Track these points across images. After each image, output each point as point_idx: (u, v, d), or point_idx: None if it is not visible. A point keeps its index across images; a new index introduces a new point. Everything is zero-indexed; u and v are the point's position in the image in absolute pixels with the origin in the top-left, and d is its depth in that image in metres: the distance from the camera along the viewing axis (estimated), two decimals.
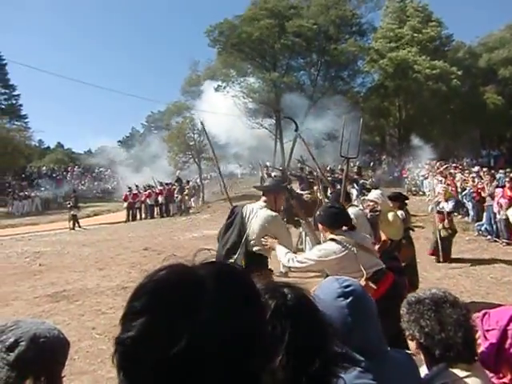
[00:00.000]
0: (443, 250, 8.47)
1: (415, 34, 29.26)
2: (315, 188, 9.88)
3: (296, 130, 5.90)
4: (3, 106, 35.32)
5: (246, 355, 0.60)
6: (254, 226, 3.87)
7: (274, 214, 3.95)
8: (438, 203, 9.29)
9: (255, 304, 0.66)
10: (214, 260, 0.70)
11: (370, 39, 30.19)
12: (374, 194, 5.79)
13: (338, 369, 1.01)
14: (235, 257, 3.79)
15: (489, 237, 10.80)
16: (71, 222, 18.03)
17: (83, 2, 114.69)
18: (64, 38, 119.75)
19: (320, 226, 3.57)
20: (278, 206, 4.19)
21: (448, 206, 9.00)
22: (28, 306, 6.62)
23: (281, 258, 3.58)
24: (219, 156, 25.64)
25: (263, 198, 4.11)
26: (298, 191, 11.38)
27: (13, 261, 10.60)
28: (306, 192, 10.04)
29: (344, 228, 3.43)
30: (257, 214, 3.95)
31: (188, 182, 24.35)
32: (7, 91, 36.01)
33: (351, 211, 5.28)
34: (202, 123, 5.97)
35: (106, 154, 34.15)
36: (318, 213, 3.66)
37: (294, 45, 27.38)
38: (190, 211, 21.81)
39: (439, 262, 8.43)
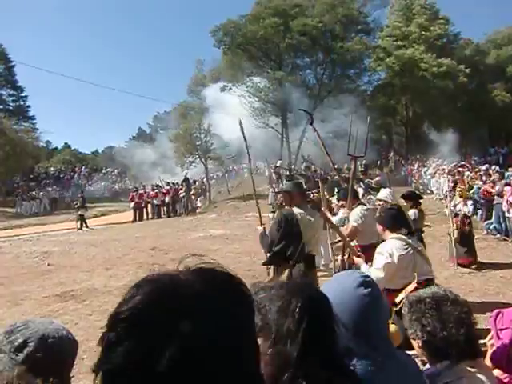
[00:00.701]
0: (469, 254, 8.08)
1: (422, 32, 29.07)
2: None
3: (311, 124, 5.87)
4: (11, 108, 35.61)
5: (231, 368, 0.58)
6: (307, 230, 4.26)
7: (317, 215, 4.43)
8: (455, 205, 8.73)
9: (244, 318, 0.64)
10: (203, 267, 0.67)
11: (376, 37, 30.04)
12: (383, 193, 5.73)
13: (350, 364, 1.04)
14: (295, 259, 4.16)
15: (498, 235, 10.70)
16: (79, 222, 18.14)
17: (91, 3, 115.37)
18: (71, 38, 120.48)
19: (380, 227, 3.68)
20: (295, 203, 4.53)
21: (468, 209, 8.53)
22: (37, 305, 6.66)
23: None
24: (224, 156, 25.81)
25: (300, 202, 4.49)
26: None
27: (22, 261, 10.68)
28: (315, 191, 10.01)
29: (404, 231, 3.52)
30: (306, 218, 4.32)
31: (195, 181, 24.41)
32: (15, 93, 36.32)
33: (359, 210, 5.27)
34: (240, 123, 5.97)
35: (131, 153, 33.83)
36: (377, 214, 3.86)
37: (299, 43, 27.32)
38: (197, 211, 21.86)
39: (461, 266, 7.96)
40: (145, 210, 22.17)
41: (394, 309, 3.05)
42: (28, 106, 36.68)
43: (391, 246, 3.40)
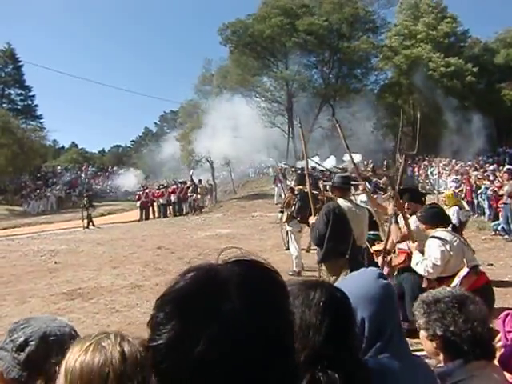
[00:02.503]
0: None
1: (430, 31, 28.90)
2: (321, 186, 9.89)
3: (333, 115, 5.88)
4: (19, 107, 35.87)
5: (270, 356, 0.62)
6: (358, 223, 4.39)
7: (365, 208, 4.65)
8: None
9: (281, 305, 0.67)
10: (240, 258, 0.70)
11: (383, 36, 29.92)
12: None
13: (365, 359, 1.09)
14: (349, 253, 4.24)
15: (506, 236, 10.59)
16: (85, 221, 18.24)
17: (98, 2, 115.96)
18: (78, 38, 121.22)
19: (423, 225, 3.86)
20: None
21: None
22: (44, 303, 6.71)
23: (414, 264, 3.81)
24: (230, 157, 25.81)
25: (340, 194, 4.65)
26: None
27: (29, 259, 10.76)
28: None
29: (446, 226, 3.78)
30: (356, 211, 4.43)
31: (200, 181, 24.46)
32: (23, 92, 36.58)
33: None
34: (299, 123, 5.98)
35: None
36: (418, 214, 3.96)
37: (305, 43, 27.28)
38: (203, 210, 21.90)
39: None
40: (151, 209, 22.25)
41: None
42: (35, 106, 36.98)
43: (442, 237, 3.64)
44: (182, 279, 0.67)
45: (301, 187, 8.73)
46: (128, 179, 30.02)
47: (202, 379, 0.60)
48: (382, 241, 5.62)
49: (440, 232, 3.67)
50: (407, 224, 3.99)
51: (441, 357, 1.58)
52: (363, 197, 6.23)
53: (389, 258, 4.61)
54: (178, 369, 0.61)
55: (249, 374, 0.60)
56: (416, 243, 3.86)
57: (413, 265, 3.82)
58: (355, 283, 1.32)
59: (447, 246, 3.57)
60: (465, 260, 3.60)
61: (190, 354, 0.59)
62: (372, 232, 5.81)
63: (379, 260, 4.76)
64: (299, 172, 13.46)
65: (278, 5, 27.41)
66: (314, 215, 4.88)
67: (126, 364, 0.91)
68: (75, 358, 0.91)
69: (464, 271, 3.49)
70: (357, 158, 5.97)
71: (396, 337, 1.28)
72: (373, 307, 1.24)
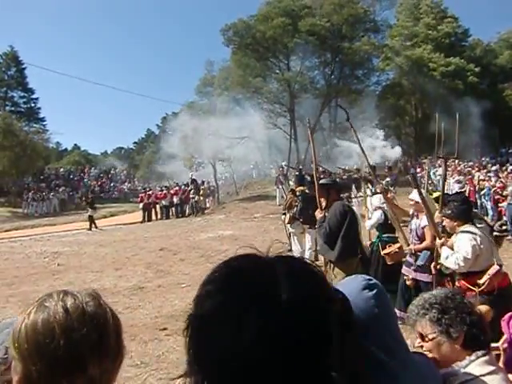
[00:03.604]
0: None
1: (430, 31, 28.87)
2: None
3: (347, 120, 5.89)
4: (22, 109, 35.98)
5: (317, 355, 0.60)
6: (361, 223, 4.51)
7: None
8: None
9: (329, 304, 0.66)
10: (288, 254, 0.71)
11: (385, 37, 29.90)
12: (415, 195, 5.54)
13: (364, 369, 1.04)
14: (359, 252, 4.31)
15: (509, 237, 10.55)
16: (88, 223, 18.28)
17: (99, 5, 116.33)
18: (80, 40, 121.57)
19: (451, 222, 3.83)
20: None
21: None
22: None
23: (444, 259, 3.81)
24: (233, 158, 25.82)
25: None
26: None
27: (32, 261, 10.79)
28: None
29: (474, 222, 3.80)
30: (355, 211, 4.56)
31: (203, 182, 24.47)
32: (26, 94, 36.68)
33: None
34: (308, 122, 6.07)
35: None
36: (447, 210, 3.90)
37: (307, 44, 27.29)
38: (205, 212, 21.91)
39: None
40: (153, 210, 22.28)
41: (478, 290, 3.39)
42: (38, 108, 37.06)
43: (472, 231, 3.64)
44: (233, 260, 0.67)
45: (302, 188, 8.73)
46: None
47: (242, 361, 0.57)
48: (394, 243, 5.65)
49: (470, 227, 3.70)
50: (433, 222, 3.98)
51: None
52: (375, 199, 6.17)
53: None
54: (217, 344, 0.59)
55: (292, 364, 0.58)
56: (442, 239, 3.87)
57: (442, 259, 3.84)
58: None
59: (478, 241, 3.59)
60: (494, 258, 3.64)
61: (223, 332, 0.58)
62: (386, 235, 5.82)
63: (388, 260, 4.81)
64: (298, 173, 13.48)
65: (279, 6, 27.45)
66: (321, 210, 4.81)
67: (70, 317, 0.89)
68: (20, 323, 0.89)
69: (494, 268, 3.50)
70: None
71: (390, 344, 1.24)
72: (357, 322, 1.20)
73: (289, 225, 8.58)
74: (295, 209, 8.30)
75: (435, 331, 1.53)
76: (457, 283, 3.94)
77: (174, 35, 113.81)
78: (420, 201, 4.84)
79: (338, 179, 14.26)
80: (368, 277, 1.36)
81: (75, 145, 53.73)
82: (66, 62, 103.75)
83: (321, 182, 5.05)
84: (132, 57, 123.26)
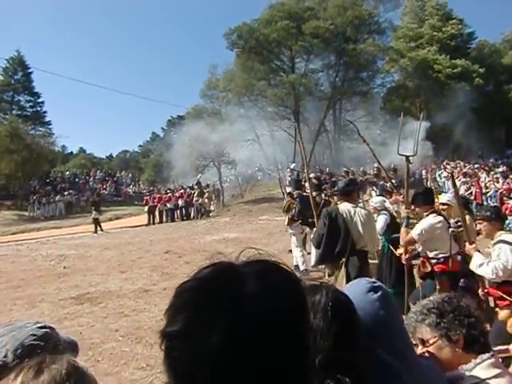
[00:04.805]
0: None
1: (435, 33, 28.80)
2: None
3: (359, 134, 5.93)
4: (28, 113, 36.22)
5: (285, 353, 0.62)
6: (359, 226, 4.36)
7: (369, 211, 4.72)
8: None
9: (299, 303, 0.67)
10: (260, 259, 0.72)
11: (389, 39, 29.88)
12: (446, 197, 5.47)
13: (368, 369, 1.03)
14: (346, 255, 4.25)
15: None
16: (94, 226, 18.37)
17: (105, 9, 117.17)
18: (86, 44, 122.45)
19: (492, 226, 3.74)
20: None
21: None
22: (53, 308, 6.76)
23: (476, 266, 3.71)
24: (237, 160, 25.86)
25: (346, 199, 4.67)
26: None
27: (38, 263, 10.85)
28: (314, 194, 10.18)
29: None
30: (356, 214, 4.43)
31: (208, 185, 24.51)
32: (32, 99, 36.94)
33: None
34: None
35: None
36: (486, 213, 3.82)
37: (311, 46, 27.31)
38: (210, 214, 21.93)
39: None
40: (158, 213, 22.33)
41: None
42: (44, 112, 37.26)
43: (509, 239, 3.56)
44: (202, 271, 0.68)
45: (299, 191, 8.94)
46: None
47: (214, 368, 0.59)
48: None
49: (506, 236, 3.63)
50: (466, 226, 3.89)
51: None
52: (376, 201, 6.18)
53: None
54: (190, 357, 0.61)
55: (263, 367, 0.60)
56: (474, 245, 3.77)
57: (472, 266, 3.73)
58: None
59: None
60: None
61: (203, 342, 0.60)
62: (395, 235, 5.80)
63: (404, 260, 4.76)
64: (294, 178, 13.58)
65: (283, 9, 27.49)
66: (317, 219, 4.96)
67: None
68: None
69: None
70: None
71: (396, 346, 1.19)
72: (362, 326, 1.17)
73: (288, 226, 8.70)
74: (293, 210, 8.44)
75: (435, 336, 1.52)
76: (481, 290, 3.90)
77: (178, 39, 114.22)
78: (453, 203, 4.85)
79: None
80: (372, 279, 1.36)
81: (81, 148, 54.01)
82: (71, 66, 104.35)
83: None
84: (137, 60, 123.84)
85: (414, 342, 1.55)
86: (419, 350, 1.55)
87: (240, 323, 0.60)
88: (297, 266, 7.90)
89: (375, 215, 5.91)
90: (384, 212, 5.95)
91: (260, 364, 0.60)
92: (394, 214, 5.98)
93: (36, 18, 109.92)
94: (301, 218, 8.20)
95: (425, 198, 4.67)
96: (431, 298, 1.63)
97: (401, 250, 4.98)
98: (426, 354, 1.52)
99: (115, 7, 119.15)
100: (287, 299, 0.65)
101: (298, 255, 8.20)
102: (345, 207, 4.52)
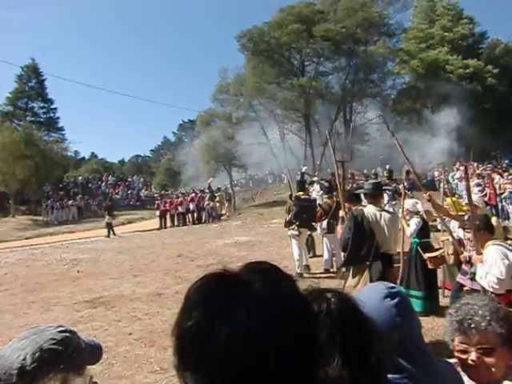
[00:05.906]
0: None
1: (445, 33, 28.54)
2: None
3: (393, 135, 5.99)
4: (42, 119, 36.78)
5: (287, 358, 0.63)
6: (384, 229, 4.39)
7: (394, 213, 4.84)
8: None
9: (300, 311, 0.68)
10: (260, 261, 0.74)
11: (399, 40, 29.70)
12: (475, 199, 5.43)
13: (384, 375, 1.01)
14: (370, 259, 4.26)
15: None
16: (106, 230, 18.53)
17: (117, 15, 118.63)
18: (97, 49, 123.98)
19: (480, 236, 3.78)
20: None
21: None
22: (68, 311, 6.82)
23: (479, 278, 3.71)
24: (248, 164, 25.90)
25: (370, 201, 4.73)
26: (315, 195, 11.52)
27: (53, 267, 10.98)
28: (325, 196, 10.18)
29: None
30: (382, 217, 4.44)
31: (219, 189, 24.58)
32: (45, 105, 37.51)
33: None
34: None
35: None
36: (478, 223, 3.87)
37: (322, 49, 27.29)
38: (222, 218, 21.97)
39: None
40: (170, 217, 22.44)
41: None
42: (57, 118, 37.81)
43: (501, 250, 3.54)
44: (210, 274, 0.72)
45: (301, 193, 9.00)
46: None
47: (225, 363, 0.61)
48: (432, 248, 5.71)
49: (497, 247, 3.56)
50: (474, 230, 3.87)
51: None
52: (409, 203, 6.25)
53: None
54: (202, 353, 0.63)
55: (269, 367, 0.61)
56: (480, 256, 3.69)
57: (477, 278, 3.70)
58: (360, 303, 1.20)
59: (510, 259, 3.46)
60: None
61: (213, 338, 0.62)
62: (425, 239, 5.89)
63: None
64: (299, 179, 13.56)
65: (293, 12, 27.53)
66: (342, 223, 5.03)
67: None
68: None
69: None
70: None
71: (412, 352, 1.18)
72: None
73: (287, 228, 8.81)
74: (291, 213, 8.47)
75: (498, 341, 1.42)
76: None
77: (189, 43, 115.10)
78: (480, 204, 4.86)
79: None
80: (390, 284, 1.33)
81: (93, 153, 54.63)
82: (83, 72, 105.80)
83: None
84: (148, 65, 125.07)
85: (457, 343, 1.47)
86: (472, 356, 1.44)
87: (246, 325, 0.62)
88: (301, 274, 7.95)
89: (407, 217, 5.93)
90: (417, 216, 5.94)
91: (268, 365, 0.61)
92: (425, 217, 5.98)
93: (50, 25, 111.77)
94: (297, 219, 8.30)
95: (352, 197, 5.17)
96: (479, 303, 1.49)
97: (432, 254, 5.01)
98: (471, 361, 1.43)
99: (127, 14, 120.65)
100: (288, 308, 0.66)
101: (295, 257, 8.29)
102: (370, 210, 4.51)
